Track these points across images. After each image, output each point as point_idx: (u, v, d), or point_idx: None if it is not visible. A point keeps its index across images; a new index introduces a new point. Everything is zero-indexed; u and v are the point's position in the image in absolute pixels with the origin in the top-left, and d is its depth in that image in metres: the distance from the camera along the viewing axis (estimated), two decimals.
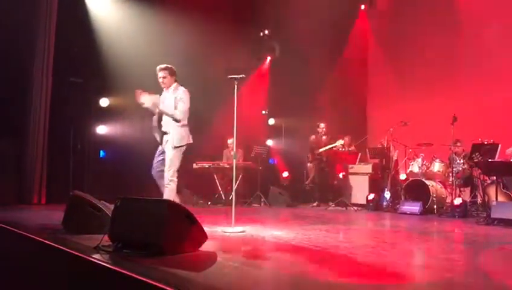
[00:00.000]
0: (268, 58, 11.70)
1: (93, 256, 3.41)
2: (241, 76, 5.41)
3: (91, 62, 8.64)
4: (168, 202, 3.59)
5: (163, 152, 5.74)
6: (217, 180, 9.37)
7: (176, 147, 5.59)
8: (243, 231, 5.05)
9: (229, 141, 9.63)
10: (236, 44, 10.17)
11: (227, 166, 9.26)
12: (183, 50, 8.88)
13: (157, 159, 5.82)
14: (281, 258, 3.89)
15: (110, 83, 8.73)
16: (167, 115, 5.68)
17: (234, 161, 5.67)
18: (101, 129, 9.09)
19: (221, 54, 9.60)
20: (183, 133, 5.69)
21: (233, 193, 5.67)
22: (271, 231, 5.18)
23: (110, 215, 4.05)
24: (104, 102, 8.99)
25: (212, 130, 9.31)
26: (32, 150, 8.06)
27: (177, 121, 5.66)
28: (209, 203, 9.13)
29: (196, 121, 8.94)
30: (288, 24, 10.53)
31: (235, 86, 5.43)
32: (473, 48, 9.55)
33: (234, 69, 5.73)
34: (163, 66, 5.77)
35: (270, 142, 11.33)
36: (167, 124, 5.70)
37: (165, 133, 5.71)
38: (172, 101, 5.70)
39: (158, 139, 5.77)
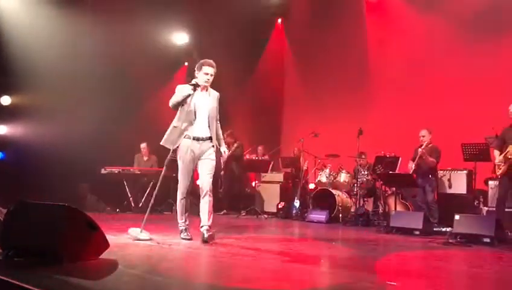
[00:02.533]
0: (186, 63, 11.63)
1: None
2: None
3: None
4: (67, 207, 3.40)
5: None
6: (126, 187, 9.04)
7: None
8: (149, 239, 4.92)
9: (142, 146, 9.40)
10: (153, 49, 10.03)
11: (138, 172, 9.01)
12: (94, 53, 8.60)
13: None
14: (185, 266, 3.85)
15: (13, 80, 8.17)
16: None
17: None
18: (1, 129, 8.48)
19: (136, 58, 9.38)
20: None
21: (152, 200, 5.44)
22: (179, 239, 5.11)
23: None
24: (5, 100, 8.41)
25: (124, 134, 9.04)
26: None
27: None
28: (118, 210, 8.83)
29: (108, 124, 8.70)
30: (207, 32, 10.56)
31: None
32: (380, 66, 10.13)
33: None
34: (212, 61, 5.01)
35: None
36: (211, 128, 5.11)
37: (208, 139, 5.10)
38: (214, 104, 5.12)
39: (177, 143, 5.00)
